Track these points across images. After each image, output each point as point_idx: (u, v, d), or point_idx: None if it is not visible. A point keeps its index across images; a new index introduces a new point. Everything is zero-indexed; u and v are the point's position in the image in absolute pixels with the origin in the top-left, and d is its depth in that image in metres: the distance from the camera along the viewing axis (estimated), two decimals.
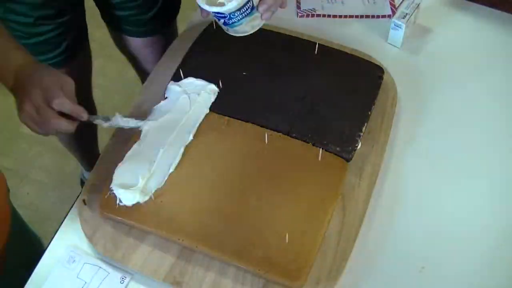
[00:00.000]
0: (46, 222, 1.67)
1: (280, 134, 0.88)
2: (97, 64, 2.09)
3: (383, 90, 0.94)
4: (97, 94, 1.99)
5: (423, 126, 0.95)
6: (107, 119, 0.82)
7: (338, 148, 0.85)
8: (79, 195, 0.85)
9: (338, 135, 0.87)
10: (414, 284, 0.78)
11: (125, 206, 0.80)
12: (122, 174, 0.82)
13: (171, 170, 0.83)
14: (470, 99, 0.98)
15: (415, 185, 0.87)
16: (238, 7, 0.75)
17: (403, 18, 1.01)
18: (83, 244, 0.81)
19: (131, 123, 0.85)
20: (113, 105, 1.95)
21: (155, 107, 0.91)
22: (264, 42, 0.99)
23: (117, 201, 0.79)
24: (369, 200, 0.83)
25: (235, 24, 0.79)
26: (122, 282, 0.78)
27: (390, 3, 1.12)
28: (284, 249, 0.76)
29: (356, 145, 0.86)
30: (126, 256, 0.79)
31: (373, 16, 1.10)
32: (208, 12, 0.79)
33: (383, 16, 1.10)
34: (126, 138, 0.88)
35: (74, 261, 0.80)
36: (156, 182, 0.82)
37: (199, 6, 0.78)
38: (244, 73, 0.95)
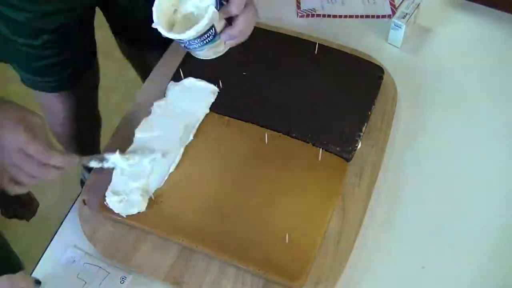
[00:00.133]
0: (46, 222, 1.67)
1: (280, 134, 0.88)
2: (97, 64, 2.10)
3: (383, 90, 0.94)
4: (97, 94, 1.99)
5: (423, 126, 0.95)
6: (102, 159, 0.77)
7: (338, 148, 0.85)
8: (79, 195, 0.85)
9: (338, 135, 0.87)
10: (414, 284, 0.78)
11: None
12: (118, 183, 0.82)
13: (171, 170, 0.83)
14: (470, 99, 0.98)
15: (415, 185, 0.87)
16: (197, 35, 0.69)
17: (403, 18, 1.01)
18: (83, 244, 0.81)
19: (131, 161, 0.80)
20: (113, 105, 1.95)
21: (154, 105, 0.91)
22: (264, 42, 0.99)
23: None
24: (369, 200, 0.83)
25: (196, 49, 0.73)
26: (122, 282, 0.78)
27: (390, 3, 1.12)
28: (284, 249, 0.76)
29: (356, 145, 0.86)
30: (126, 256, 0.79)
31: (373, 16, 1.10)
32: None
33: (383, 16, 1.10)
34: (127, 138, 0.88)
35: (74, 261, 0.80)
36: (156, 182, 0.82)
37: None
38: (244, 73, 0.95)
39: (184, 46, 0.72)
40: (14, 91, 2.07)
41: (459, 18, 1.10)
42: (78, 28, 1.04)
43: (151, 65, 1.04)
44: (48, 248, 0.83)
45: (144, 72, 1.28)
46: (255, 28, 0.75)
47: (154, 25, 0.68)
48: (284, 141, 0.87)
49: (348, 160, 0.85)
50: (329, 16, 1.11)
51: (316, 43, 0.97)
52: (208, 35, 0.70)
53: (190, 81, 0.94)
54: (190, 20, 0.72)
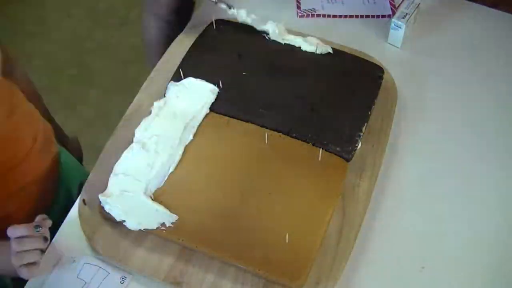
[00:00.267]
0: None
1: (280, 134, 0.88)
2: (97, 64, 2.10)
3: (383, 90, 0.94)
4: (97, 94, 2.00)
5: (423, 125, 0.95)
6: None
7: (338, 148, 0.85)
8: (79, 195, 0.85)
9: (338, 135, 0.87)
10: (414, 284, 0.78)
11: None
12: (117, 183, 0.82)
13: (171, 170, 0.83)
14: (470, 99, 0.98)
15: (415, 185, 0.87)
16: None
17: (403, 18, 1.01)
18: (83, 244, 0.81)
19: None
20: (113, 105, 1.95)
21: (154, 105, 0.91)
22: (264, 42, 0.99)
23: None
24: (369, 200, 0.83)
25: None
26: (122, 282, 0.78)
27: (390, 3, 1.12)
28: (284, 249, 0.76)
29: (356, 145, 0.86)
30: (126, 256, 0.79)
31: (373, 16, 1.10)
32: None
33: (383, 16, 1.10)
34: (127, 138, 0.88)
35: (74, 261, 0.80)
36: (156, 182, 0.82)
37: None
38: (244, 73, 0.95)
39: None
40: None
41: (459, 18, 1.10)
42: None
43: None
44: (48, 248, 0.83)
45: None
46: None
47: None
48: (284, 141, 0.87)
49: (348, 160, 0.85)
50: (329, 16, 1.11)
51: (316, 43, 0.97)
52: None
53: (190, 81, 0.94)
54: None
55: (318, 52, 0.97)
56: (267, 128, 0.88)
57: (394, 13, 1.08)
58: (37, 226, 0.72)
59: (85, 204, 0.84)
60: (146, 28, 1.42)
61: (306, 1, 1.13)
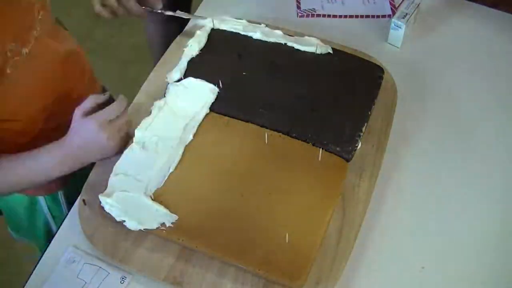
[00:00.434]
0: None
1: (280, 134, 0.88)
2: (97, 64, 2.10)
3: (383, 90, 0.94)
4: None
5: (423, 125, 0.95)
6: None
7: (338, 148, 0.85)
8: (79, 195, 0.85)
9: (338, 135, 0.87)
10: (414, 284, 0.78)
11: None
12: (117, 182, 0.82)
13: (171, 170, 0.83)
14: (470, 99, 0.98)
15: (415, 185, 0.87)
16: None
17: (403, 18, 1.01)
18: (83, 244, 0.81)
19: None
20: None
21: (154, 105, 0.91)
22: (263, 42, 0.99)
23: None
24: (369, 200, 0.83)
25: None
26: (122, 282, 0.78)
27: (390, 3, 1.12)
28: (284, 249, 0.76)
29: (356, 145, 0.86)
30: (126, 256, 0.79)
31: (373, 16, 1.10)
32: None
33: (383, 16, 1.10)
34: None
35: (74, 261, 0.80)
36: (156, 182, 0.82)
37: None
38: (244, 73, 0.95)
39: None
40: None
41: (459, 18, 1.10)
42: None
43: None
44: (48, 248, 0.83)
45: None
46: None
47: None
48: (284, 141, 0.87)
49: (348, 160, 0.85)
50: (329, 16, 1.11)
51: (316, 43, 0.97)
52: None
53: (190, 81, 0.94)
54: None
55: (318, 52, 0.97)
56: (267, 128, 0.88)
57: (394, 13, 1.08)
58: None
59: (85, 204, 0.84)
60: (145, 28, 1.42)
61: (306, 1, 1.13)
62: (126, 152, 0.85)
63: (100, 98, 0.83)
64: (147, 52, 2.11)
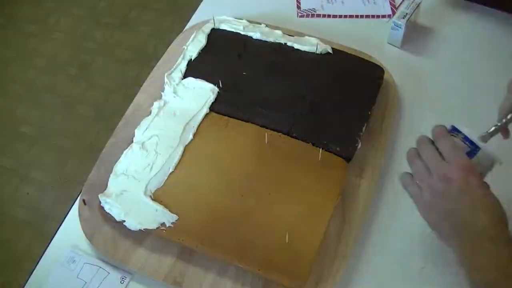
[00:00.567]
0: (46, 222, 1.67)
1: (280, 134, 0.88)
2: (97, 64, 2.10)
3: (383, 90, 0.94)
4: (97, 94, 2.00)
5: (423, 126, 0.95)
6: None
7: (338, 148, 0.85)
8: (79, 195, 0.85)
9: (338, 135, 0.87)
10: (414, 284, 0.78)
11: None
12: (117, 183, 0.82)
13: (171, 170, 0.83)
14: (470, 99, 0.98)
15: None
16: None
17: (403, 18, 1.01)
18: (83, 244, 0.81)
19: None
20: (113, 104, 1.96)
21: (154, 105, 0.91)
22: (263, 42, 0.99)
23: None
24: (369, 200, 0.83)
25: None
26: (122, 282, 0.78)
27: (390, 3, 1.12)
28: (284, 249, 0.76)
29: (356, 145, 0.86)
30: (126, 256, 0.79)
31: (373, 16, 1.10)
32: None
33: (383, 16, 1.10)
34: (127, 138, 0.88)
35: (74, 261, 0.80)
36: (156, 182, 0.82)
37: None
38: (244, 73, 0.95)
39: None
40: (15, 91, 2.07)
41: (459, 18, 1.10)
42: None
43: None
44: (48, 248, 0.83)
45: None
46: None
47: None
48: (284, 141, 0.87)
49: (348, 160, 0.85)
50: (329, 16, 1.11)
51: (316, 43, 0.97)
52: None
53: (190, 81, 0.94)
54: None
55: (318, 52, 0.97)
56: (267, 128, 0.88)
57: (394, 13, 1.08)
58: None
59: (85, 204, 0.84)
60: None
61: (306, 1, 1.13)
62: (126, 152, 0.85)
63: None
64: (147, 52, 2.11)
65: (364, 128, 0.88)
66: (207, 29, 1.01)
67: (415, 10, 1.02)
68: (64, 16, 2.25)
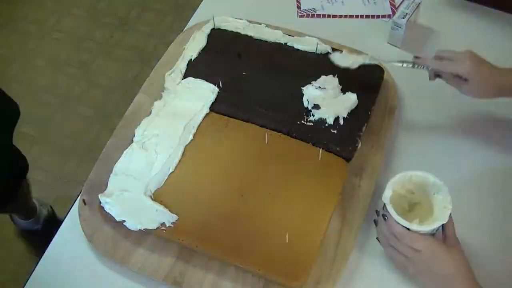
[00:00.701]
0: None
1: (280, 134, 0.88)
2: (97, 64, 2.10)
3: (383, 90, 0.94)
4: (97, 94, 2.00)
5: (423, 125, 0.95)
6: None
7: (338, 148, 0.85)
8: (79, 195, 0.85)
9: (338, 135, 0.87)
10: (414, 284, 0.78)
11: None
12: (116, 182, 0.82)
13: (171, 170, 0.83)
14: (471, 99, 0.97)
15: None
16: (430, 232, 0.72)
17: (403, 18, 1.01)
18: (83, 244, 0.81)
19: None
20: (113, 104, 1.95)
21: (154, 105, 0.91)
22: (264, 42, 0.99)
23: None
24: (369, 200, 0.83)
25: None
26: (122, 282, 0.78)
27: (390, 3, 1.12)
28: (284, 249, 0.76)
29: (356, 145, 0.86)
30: (126, 256, 0.79)
31: (373, 16, 1.10)
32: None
33: (383, 16, 1.10)
34: (126, 138, 0.88)
35: (74, 261, 0.80)
36: (156, 182, 0.82)
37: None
38: (244, 73, 0.95)
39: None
40: (15, 91, 2.07)
41: (459, 18, 1.10)
42: None
43: None
44: (48, 248, 0.83)
45: None
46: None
47: (385, 203, 0.72)
48: (284, 141, 0.87)
49: (348, 160, 0.85)
50: (329, 16, 1.11)
51: (316, 43, 0.97)
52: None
53: (190, 81, 0.94)
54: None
55: (318, 52, 0.97)
56: (267, 128, 0.88)
57: (394, 13, 1.08)
58: None
59: (85, 204, 0.84)
60: None
61: (306, 1, 1.13)
62: (126, 152, 0.85)
63: None
64: (147, 52, 2.11)
65: (364, 128, 0.88)
66: (207, 29, 1.01)
67: (415, 10, 1.02)
68: (64, 16, 2.25)
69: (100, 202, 0.80)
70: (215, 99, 0.92)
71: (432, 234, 0.72)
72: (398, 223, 0.71)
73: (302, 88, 0.91)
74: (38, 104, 1.97)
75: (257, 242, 0.77)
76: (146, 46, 2.13)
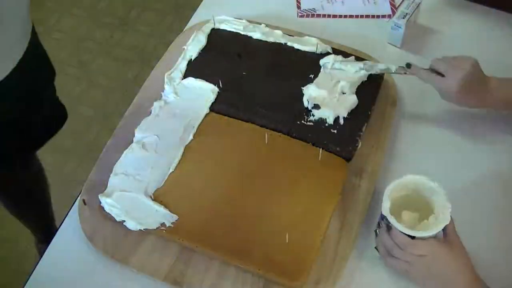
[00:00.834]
0: None
1: (280, 134, 0.88)
2: (97, 64, 2.10)
3: (383, 90, 0.94)
4: (97, 94, 2.00)
5: (423, 125, 0.95)
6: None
7: (338, 148, 0.85)
8: (79, 195, 0.85)
9: (338, 135, 0.87)
10: (414, 284, 0.78)
11: None
12: (117, 182, 0.82)
13: (171, 170, 0.83)
14: None
15: None
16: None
17: (403, 18, 1.01)
18: (83, 244, 0.81)
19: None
20: (113, 104, 1.96)
21: (154, 105, 0.91)
22: (264, 42, 0.99)
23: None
24: (369, 200, 0.83)
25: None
26: (122, 281, 0.78)
27: (390, 3, 1.12)
28: (284, 249, 0.76)
29: (356, 145, 0.86)
30: (126, 256, 0.79)
31: (373, 16, 1.10)
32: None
33: (383, 16, 1.10)
34: (127, 138, 0.88)
35: (74, 261, 0.80)
36: (156, 182, 0.82)
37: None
38: (244, 73, 0.95)
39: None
40: None
41: (459, 18, 1.10)
42: None
43: None
44: (48, 248, 0.83)
45: None
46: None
47: (386, 215, 0.72)
48: (284, 141, 0.87)
49: (348, 160, 0.85)
50: (329, 16, 1.11)
51: (316, 43, 0.97)
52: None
53: (190, 81, 0.94)
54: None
55: (318, 52, 0.97)
56: (267, 128, 0.88)
57: (394, 13, 1.08)
58: None
59: (85, 204, 0.84)
60: None
61: (306, 1, 1.13)
62: (126, 152, 0.85)
63: None
64: (147, 52, 2.11)
65: (364, 128, 0.88)
66: (207, 29, 1.01)
67: (415, 10, 1.02)
68: (64, 16, 2.25)
69: (100, 202, 0.80)
70: (215, 99, 0.92)
71: (435, 236, 0.73)
72: (402, 233, 0.71)
73: (302, 88, 0.92)
74: None
75: (257, 242, 0.77)
76: (146, 46, 2.14)
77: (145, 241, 0.80)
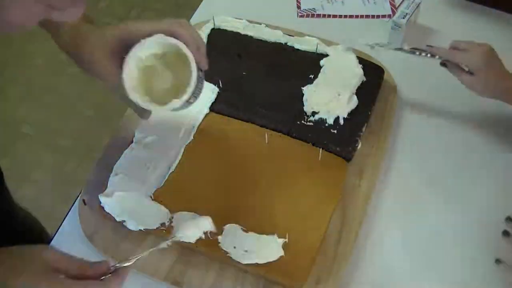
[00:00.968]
0: (46, 222, 1.67)
1: (280, 134, 0.88)
2: None
3: (383, 90, 0.94)
4: (97, 94, 2.00)
5: (423, 125, 0.95)
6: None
7: (338, 148, 0.85)
8: (79, 195, 0.85)
9: (338, 135, 0.87)
10: (414, 284, 0.78)
11: None
12: (117, 183, 0.82)
13: (171, 170, 0.83)
14: (471, 99, 0.97)
15: (416, 185, 0.87)
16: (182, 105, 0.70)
17: (403, 18, 1.01)
18: (83, 244, 0.81)
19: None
20: (113, 105, 1.95)
21: None
22: (264, 42, 0.99)
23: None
24: (369, 200, 0.83)
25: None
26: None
27: (390, 3, 1.12)
28: (284, 249, 0.76)
29: (356, 145, 0.86)
30: (126, 256, 0.78)
31: (373, 16, 1.10)
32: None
33: (383, 16, 1.10)
34: (127, 138, 0.88)
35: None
36: (156, 182, 0.82)
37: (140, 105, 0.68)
38: (244, 73, 0.95)
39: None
40: (15, 91, 2.07)
41: (459, 18, 1.10)
42: None
43: None
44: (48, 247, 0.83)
45: None
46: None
47: (136, 101, 0.67)
48: (284, 141, 0.87)
49: (348, 160, 0.85)
50: (329, 16, 1.11)
51: (316, 43, 0.97)
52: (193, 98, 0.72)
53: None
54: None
55: (318, 52, 0.97)
56: (267, 128, 0.88)
57: (394, 13, 1.08)
58: None
59: (85, 204, 0.84)
60: None
61: (306, 1, 1.13)
62: (126, 152, 0.85)
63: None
64: None
65: (364, 128, 0.88)
66: (207, 29, 1.01)
67: (415, 10, 1.02)
68: None
69: (100, 202, 0.80)
70: (215, 99, 0.92)
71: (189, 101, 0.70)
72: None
73: (302, 88, 0.92)
74: (38, 104, 1.97)
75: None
76: None
77: (145, 241, 0.80)
